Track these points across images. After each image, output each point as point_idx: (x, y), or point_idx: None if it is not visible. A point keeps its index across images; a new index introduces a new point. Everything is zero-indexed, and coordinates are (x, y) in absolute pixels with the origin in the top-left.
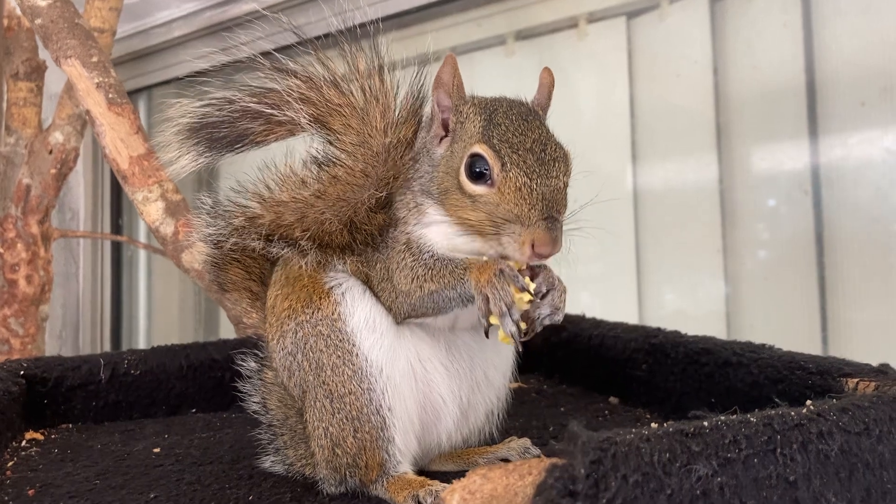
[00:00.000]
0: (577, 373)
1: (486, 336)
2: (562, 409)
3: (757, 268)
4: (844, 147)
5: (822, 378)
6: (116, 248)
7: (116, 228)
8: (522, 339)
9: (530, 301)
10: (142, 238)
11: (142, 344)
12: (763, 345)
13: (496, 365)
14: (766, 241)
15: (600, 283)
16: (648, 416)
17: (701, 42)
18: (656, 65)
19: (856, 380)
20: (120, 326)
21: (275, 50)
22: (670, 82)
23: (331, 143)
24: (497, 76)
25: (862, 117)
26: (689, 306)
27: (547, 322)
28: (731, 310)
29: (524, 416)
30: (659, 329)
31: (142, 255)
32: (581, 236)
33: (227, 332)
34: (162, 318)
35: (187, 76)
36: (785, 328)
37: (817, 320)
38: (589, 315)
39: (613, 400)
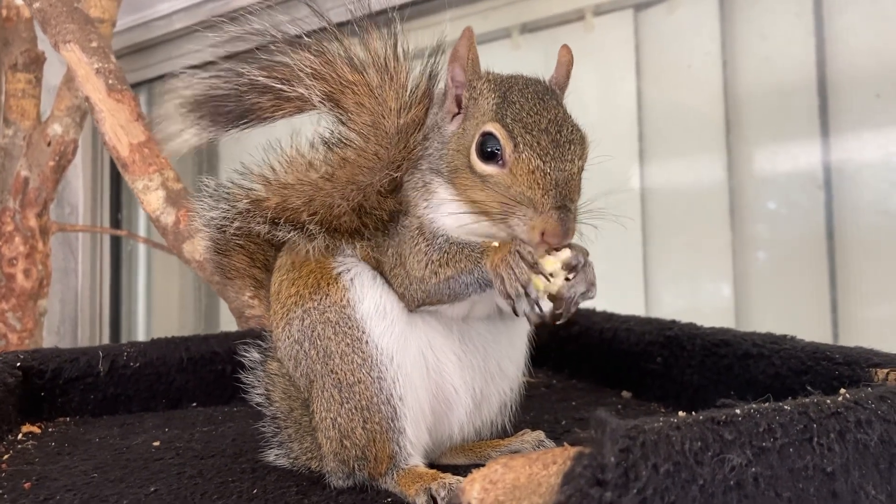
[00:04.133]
0: (587, 367)
1: (516, 315)
2: (573, 403)
3: (766, 266)
4: (859, 141)
5: (849, 368)
6: (116, 243)
7: (116, 223)
8: (560, 321)
9: (565, 279)
10: (141, 232)
11: (141, 339)
12: (784, 336)
13: (510, 356)
14: (775, 238)
15: (606, 282)
16: (663, 410)
17: (710, 35)
18: (664, 59)
19: (886, 370)
20: (119, 322)
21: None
22: (679, 76)
23: (342, 123)
24: (502, 69)
25: (877, 110)
26: (697, 305)
27: (581, 300)
28: (739, 308)
29: (535, 410)
30: (674, 321)
31: (141, 249)
32: (587, 235)
33: (228, 327)
34: (162, 313)
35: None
36: (795, 326)
37: (828, 317)
38: None
39: (626, 394)
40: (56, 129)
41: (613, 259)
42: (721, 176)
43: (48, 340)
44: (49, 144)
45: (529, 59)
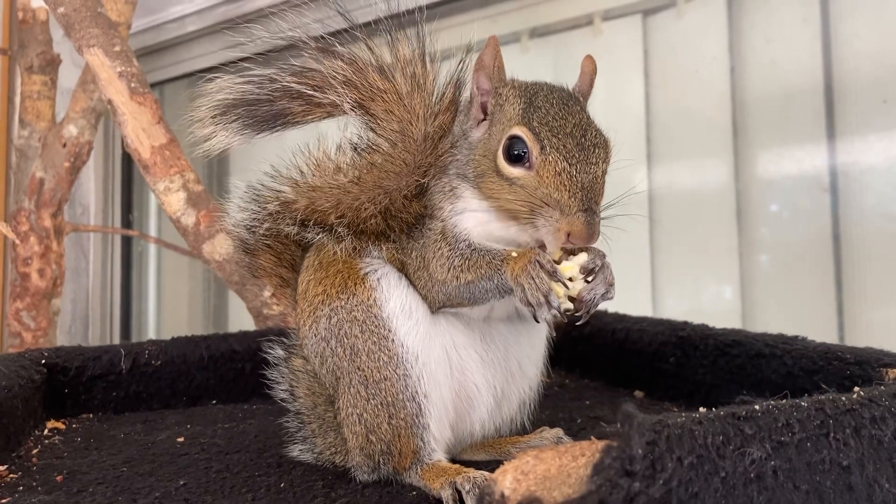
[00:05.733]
0: (599, 367)
1: (537, 321)
2: (587, 402)
3: (771, 268)
4: (864, 145)
5: (860, 368)
6: (127, 244)
7: (127, 224)
8: (580, 322)
9: (585, 281)
10: (152, 233)
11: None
12: (796, 336)
13: (530, 356)
14: (781, 241)
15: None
16: (676, 410)
17: (717, 40)
18: (672, 63)
19: None
20: (129, 322)
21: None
22: (686, 81)
23: (371, 129)
24: (511, 73)
25: (883, 115)
26: (703, 307)
27: (600, 301)
28: (746, 310)
29: (550, 408)
30: (686, 322)
31: (152, 250)
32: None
33: (236, 326)
34: (171, 313)
35: (225, 63)
36: (801, 328)
37: (834, 320)
38: None
39: (639, 394)
40: (71, 130)
41: (620, 261)
42: (727, 179)
43: (60, 340)
44: (64, 146)
45: (539, 64)
